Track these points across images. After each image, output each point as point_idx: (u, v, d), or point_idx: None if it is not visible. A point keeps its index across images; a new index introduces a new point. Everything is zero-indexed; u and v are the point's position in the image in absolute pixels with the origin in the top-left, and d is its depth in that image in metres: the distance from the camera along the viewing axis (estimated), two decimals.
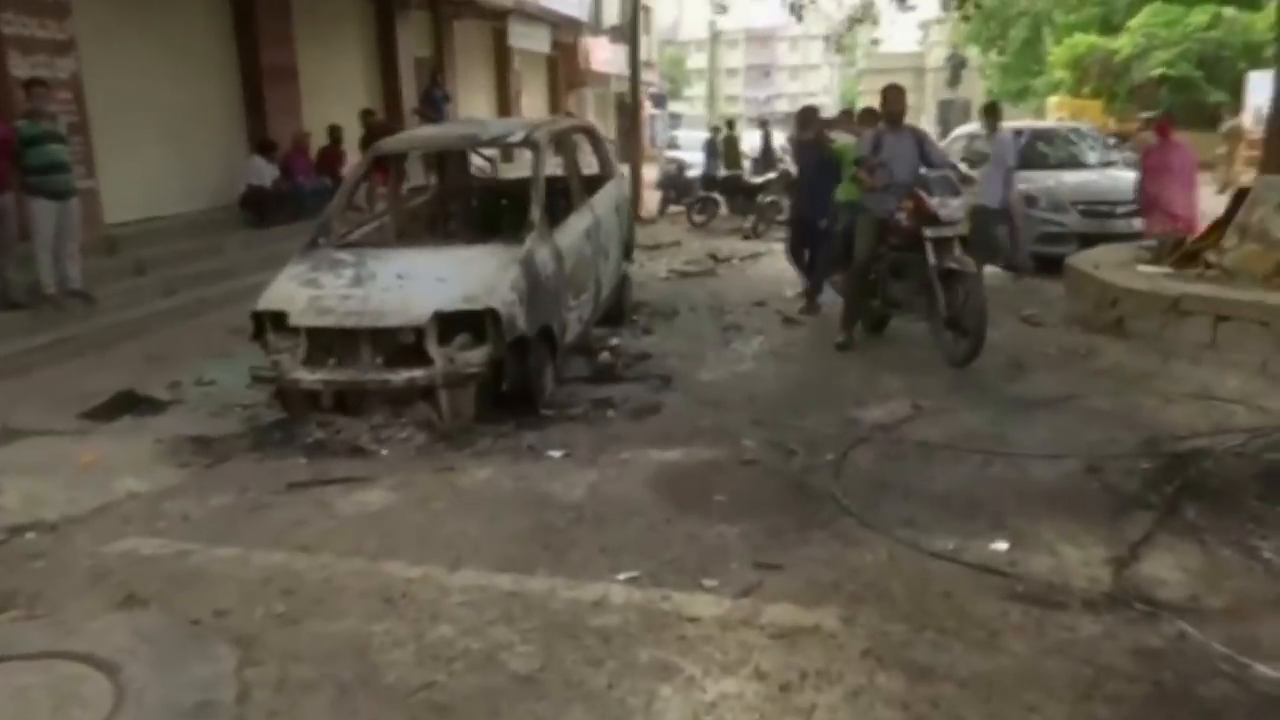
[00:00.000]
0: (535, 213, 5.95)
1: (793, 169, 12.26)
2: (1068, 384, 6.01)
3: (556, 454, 4.94)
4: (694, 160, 17.86)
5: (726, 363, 6.82)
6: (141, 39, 10.22)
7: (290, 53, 12.26)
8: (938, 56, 43.66)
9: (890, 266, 6.87)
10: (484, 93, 19.70)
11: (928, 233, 6.39)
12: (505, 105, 20.18)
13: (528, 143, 6.50)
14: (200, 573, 3.73)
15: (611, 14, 28.18)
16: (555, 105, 23.18)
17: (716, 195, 15.75)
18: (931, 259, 6.37)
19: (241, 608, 3.40)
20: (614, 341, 7.25)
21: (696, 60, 66.51)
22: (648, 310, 8.56)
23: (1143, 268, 7.53)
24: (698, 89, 62.01)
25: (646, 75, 31.45)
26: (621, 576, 3.56)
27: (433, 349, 5.22)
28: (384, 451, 5.10)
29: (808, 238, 8.76)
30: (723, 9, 17.38)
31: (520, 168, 8.48)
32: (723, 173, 16.23)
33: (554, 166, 7.05)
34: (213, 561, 3.81)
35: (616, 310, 7.78)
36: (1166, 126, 9.08)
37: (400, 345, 5.34)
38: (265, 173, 11.04)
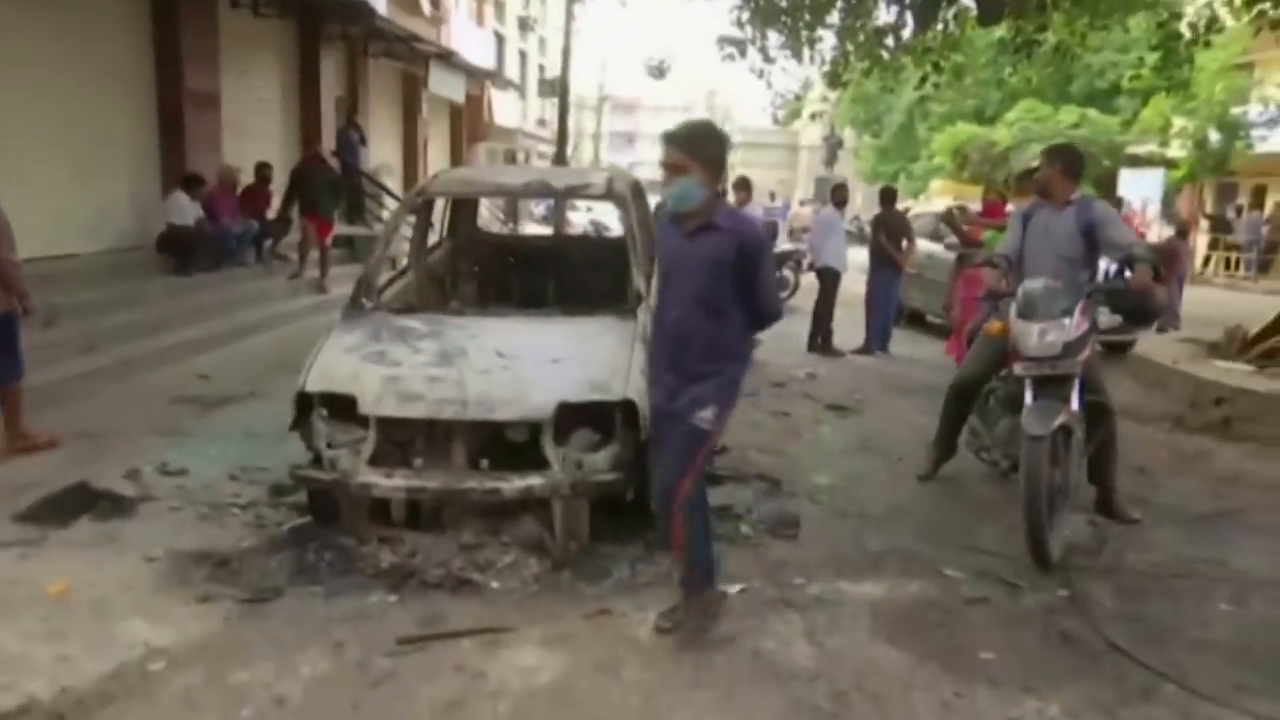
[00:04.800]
0: (640, 281, 4.91)
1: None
2: (1210, 493, 5.44)
3: (730, 589, 3.88)
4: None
5: (823, 459, 5.90)
6: (46, 46, 8.56)
7: (214, 78, 10.66)
8: (812, 135, 44.92)
9: (1004, 400, 5.02)
10: (390, 140, 18.31)
11: (1017, 369, 4.52)
12: (412, 154, 18.86)
13: (612, 195, 5.47)
14: None
15: (510, 68, 27.41)
16: (457, 157, 21.96)
17: None
18: (1027, 400, 4.45)
19: None
20: None
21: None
22: None
23: (1222, 363, 7.15)
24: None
25: (543, 133, 30.78)
26: None
27: (550, 450, 4.08)
28: (494, 584, 3.90)
29: None
30: (660, 74, 16.83)
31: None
32: None
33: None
34: None
35: None
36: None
37: (502, 442, 4.18)
38: (189, 212, 9.43)
